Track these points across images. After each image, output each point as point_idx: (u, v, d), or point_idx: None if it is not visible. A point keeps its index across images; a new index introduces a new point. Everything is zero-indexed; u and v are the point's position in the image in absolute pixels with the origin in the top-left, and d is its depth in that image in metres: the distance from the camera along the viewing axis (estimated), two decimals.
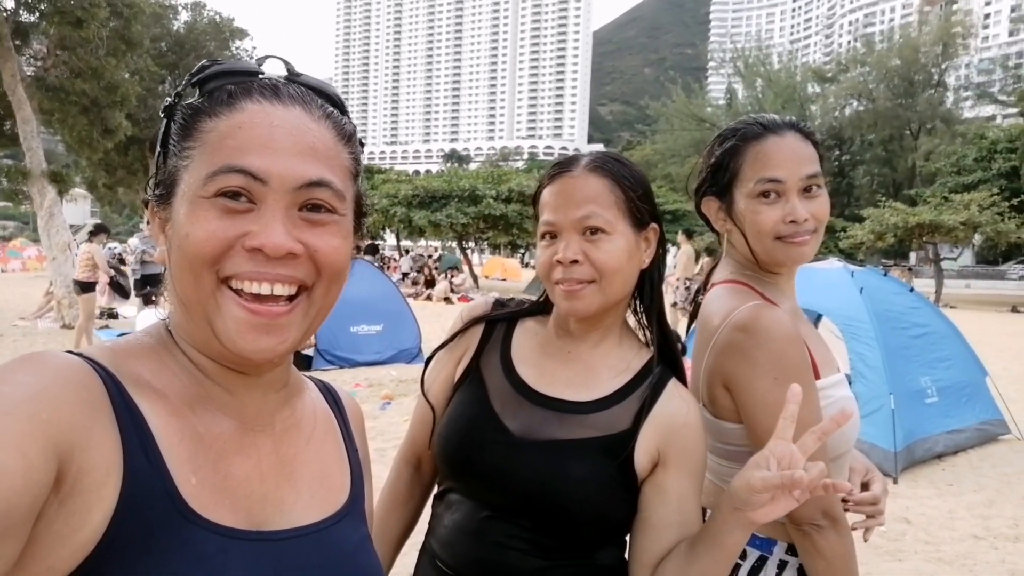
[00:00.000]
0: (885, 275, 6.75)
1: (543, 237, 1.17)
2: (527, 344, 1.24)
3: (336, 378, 8.12)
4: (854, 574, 1.18)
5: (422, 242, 35.96)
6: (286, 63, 0.76)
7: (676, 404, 1.15)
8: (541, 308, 1.30)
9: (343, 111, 0.77)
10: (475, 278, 24.23)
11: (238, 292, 0.67)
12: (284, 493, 0.75)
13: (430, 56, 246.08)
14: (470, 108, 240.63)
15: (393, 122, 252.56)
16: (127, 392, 0.66)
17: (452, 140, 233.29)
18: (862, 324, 5.59)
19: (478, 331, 1.28)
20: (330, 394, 0.92)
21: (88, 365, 0.65)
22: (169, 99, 0.73)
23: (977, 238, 26.48)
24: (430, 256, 26.32)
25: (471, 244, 30.36)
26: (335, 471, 0.83)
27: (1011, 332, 16.00)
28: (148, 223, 0.75)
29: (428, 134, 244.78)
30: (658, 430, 1.12)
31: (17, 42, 13.17)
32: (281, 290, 0.68)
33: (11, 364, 0.61)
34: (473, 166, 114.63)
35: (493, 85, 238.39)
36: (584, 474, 1.09)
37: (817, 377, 1.26)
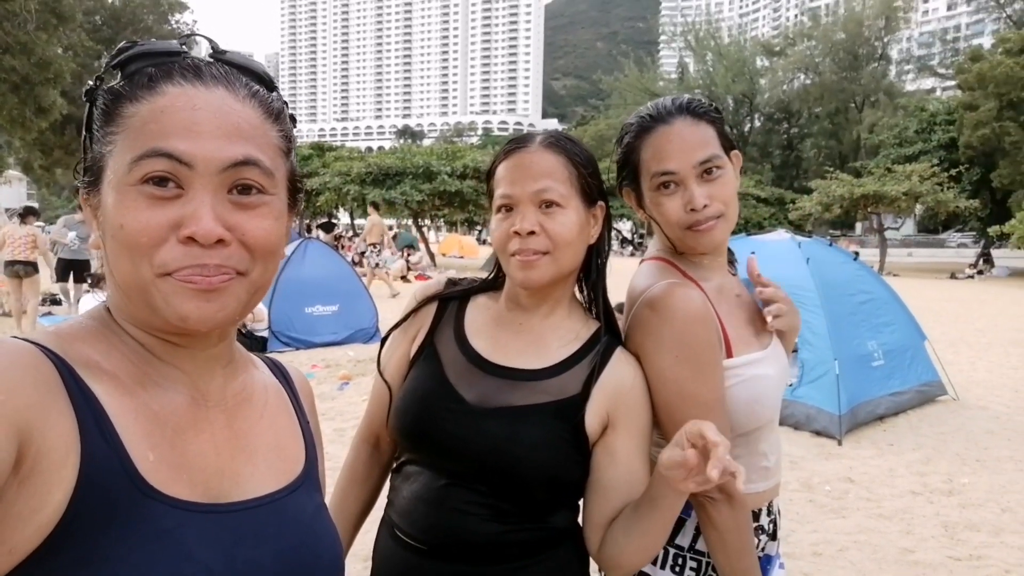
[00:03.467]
0: (830, 245, 6.97)
1: (499, 210, 1.20)
2: (480, 318, 1.28)
3: (292, 359, 8.01)
4: (746, 547, 1.24)
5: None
6: (210, 41, 0.76)
7: (624, 369, 1.20)
8: (492, 284, 1.34)
9: (271, 87, 0.77)
10: (432, 256, 24.11)
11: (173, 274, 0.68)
12: (240, 466, 0.77)
13: (379, 29, 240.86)
14: (422, 83, 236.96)
15: (344, 98, 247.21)
16: (78, 374, 0.66)
17: (405, 116, 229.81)
18: (808, 293, 5.77)
19: (431, 309, 1.31)
20: (279, 370, 0.94)
21: (37, 349, 0.65)
22: (91, 82, 0.72)
23: (918, 208, 27.48)
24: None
25: (427, 222, 30.13)
26: (290, 443, 0.85)
27: (948, 298, 16.72)
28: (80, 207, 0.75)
29: (380, 110, 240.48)
30: (607, 394, 1.17)
31: None
32: (216, 279, 0.69)
33: None
34: (427, 142, 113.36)
35: (445, 60, 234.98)
36: (538, 437, 1.14)
37: (729, 356, 1.30)
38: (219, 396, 0.79)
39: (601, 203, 1.24)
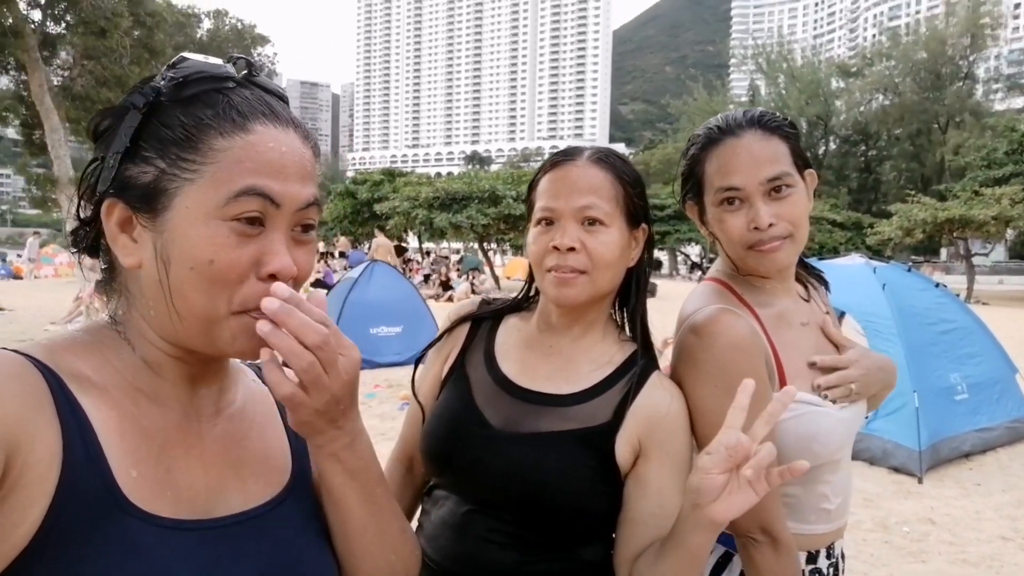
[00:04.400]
0: (909, 271, 6.62)
1: (538, 223, 1.17)
2: (510, 340, 1.25)
3: None
4: None
5: (443, 244, 36.14)
6: (249, 62, 0.77)
7: (659, 395, 1.13)
8: (525, 304, 1.31)
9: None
10: (496, 279, 24.25)
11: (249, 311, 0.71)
12: (228, 480, 0.76)
13: (450, 59, 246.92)
14: (491, 110, 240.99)
15: (415, 125, 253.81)
16: (67, 387, 0.66)
17: (473, 142, 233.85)
18: (884, 320, 5.48)
19: (464, 330, 1.29)
20: None
21: (27, 361, 0.65)
22: (146, 96, 0.70)
23: (1010, 233, 25.89)
24: (446, 257, 26.40)
25: (492, 245, 30.43)
26: (277, 452, 0.84)
27: None
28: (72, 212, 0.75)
29: (449, 137, 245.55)
30: (639, 421, 1.11)
31: (45, 53, 13.51)
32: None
33: None
34: (494, 168, 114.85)
35: (513, 87, 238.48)
36: (562, 465, 1.09)
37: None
38: (212, 410, 0.79)
39: (644, 225, 1.20)
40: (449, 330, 1.31)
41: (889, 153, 47.51)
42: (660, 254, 40.32)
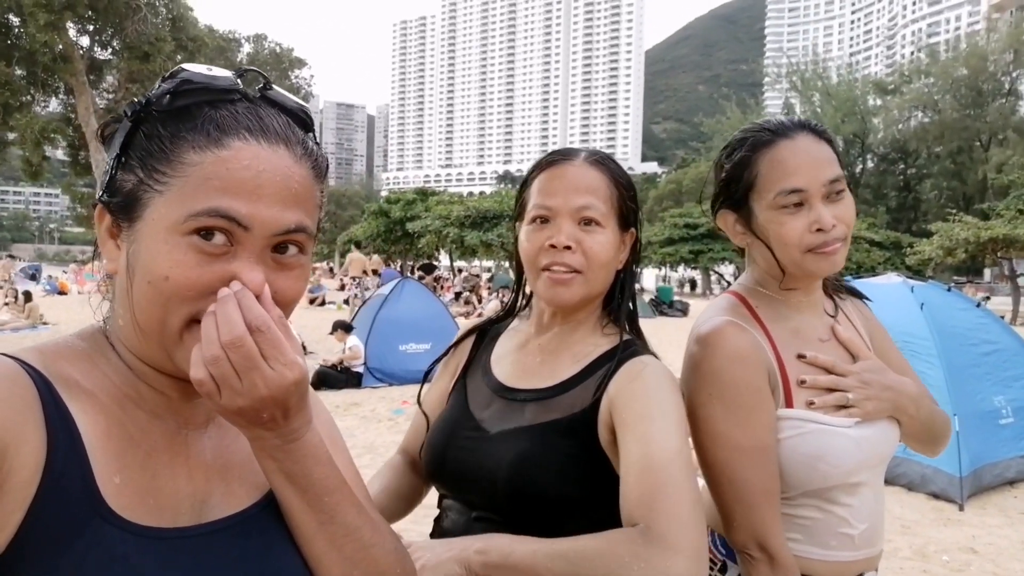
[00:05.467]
0: (948, 290, 6.44)
1: (532, 221, 1.17)
2: (507, 345, 1.29)
3: (385, 395, 8.24)
4: None
5: (475, 262, 36.32)
6: (264, 77, 0.76)
7: (630, 366, 1.10)
8: (519, 311, 1.34)
9: (308, 128, 0.76)
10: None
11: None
12: (214, 486, 0.75)
13: (483, 80, 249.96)
14: (523, 130, 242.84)
15: (448, 145, 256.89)
16: (56, 392, 0.66)
17: (505, 161, 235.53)
18: (923, 341, 5.32)
19: (470, 343, 1.34)
20: None
21: (17, 365, 0.65)
22: (138, 103, 0.70)
23: None
24: (477, 275, 26.50)
25: None
26: None
27: None
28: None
29: (482, 156, 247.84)
30: (610, 396, 1.08)
31: (92, 77, 14.05)
32: None
33: None
34: None
35: (545, 107, 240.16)
36: (546, 456, 1.08)
37: (789, 405, 1.19)
38: (202, 420, 0.78)
39: (632, 230, 1.21)
40: (456, 345, 1.35)
41: (929, 171, 46.65)
42: (693, 273, 39.89)
